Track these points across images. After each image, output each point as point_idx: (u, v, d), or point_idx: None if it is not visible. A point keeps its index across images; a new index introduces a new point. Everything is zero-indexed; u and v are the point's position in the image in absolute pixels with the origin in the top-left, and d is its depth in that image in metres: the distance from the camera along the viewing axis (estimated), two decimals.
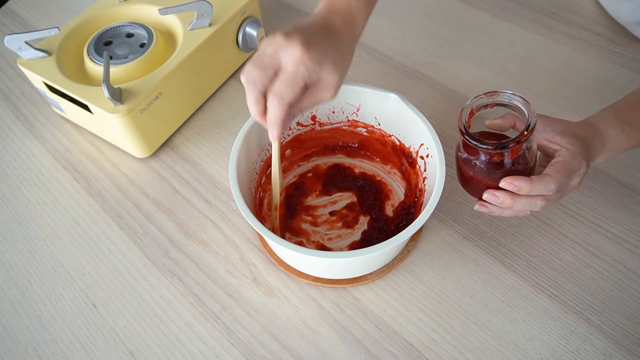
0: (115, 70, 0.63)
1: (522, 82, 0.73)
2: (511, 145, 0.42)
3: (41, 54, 0.64)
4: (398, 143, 0.59)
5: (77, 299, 0.56)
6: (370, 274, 0.55)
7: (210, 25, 0.68)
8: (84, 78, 0.65)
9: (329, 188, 0.62)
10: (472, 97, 0.45)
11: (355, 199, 0.61)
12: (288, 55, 0.41)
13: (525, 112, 0.43)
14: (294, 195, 0.62)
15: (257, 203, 0.59)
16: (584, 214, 0.59)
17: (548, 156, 0.48)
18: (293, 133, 0.61)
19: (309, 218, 0.60)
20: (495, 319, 0.52)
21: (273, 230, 0.55)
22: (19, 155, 0.69)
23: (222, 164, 0.67)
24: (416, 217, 0.47)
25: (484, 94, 0.44)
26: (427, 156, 0.54)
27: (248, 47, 0.74)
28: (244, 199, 0.49)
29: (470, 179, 0.47)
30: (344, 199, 0.61)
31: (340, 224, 0.59)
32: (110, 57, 0.63)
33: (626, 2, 0.75)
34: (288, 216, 0.60)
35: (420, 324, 0.52)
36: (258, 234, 0.59)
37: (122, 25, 0.69)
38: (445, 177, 0.49)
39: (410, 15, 0.83)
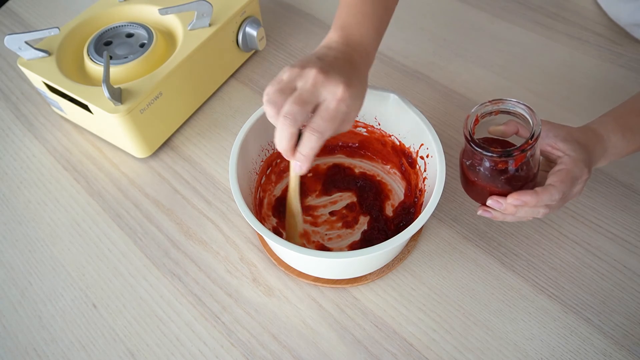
0: (115, 70, 0.63)
1: (522, 82, 0.73)
2: (516, 153, 0.42)
3: (41, 54, 0.64)
4: (398, 143, 0.59)
5: (77, 299, 0.56)
6: (370, 274, 0.55)
7: (210, 25, 0.68)
8: (84, 78, 0.65)
9: (329, 188, 0.62)
10: (477, 104, 0.46)
11: (355, 199, 0.61)
12: (330, 94, 0.42)
13: (530, 120, 0.43)
14: None
15: (257, 203, 0.59)
16: (584, 214, 0.59)
17: (550, 161, 0.48)
18: None
19: (309, 218, 0.60)
20: (495, 319, 0.52)
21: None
22: (19, 155, 0.69)
23: (222, 164, 0.67)
24: (416, 217, 0.47)
25: (489, 101, 0.45)
26: (427, 156, 0.54)
27: (248, 47, 0.74)
28: (244, 199, 0.49)
29: (473, 184, 0.47)
30: (344, 199, 0.61)
31: (340, 224, 0.59)
32: (110, 57, 0.63)
33: (625, 4, 0.75)
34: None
35: (420, 324, 0.52)
36: (258, 234, 0.59)
37: (122, 25, 0.69)
38: (445, 177, 0.49)
39: (410, 16, 0.83)
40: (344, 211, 0.60)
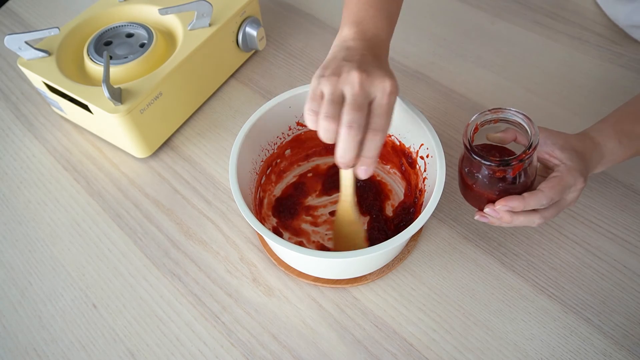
0: (115, 70, 0.63)
1: (522, 82, 0.73)
2: (514, 163, 0.43)
3: (41, 54, 0.64)
4: (398, 143, 0.59)
5: (77, 299, 0.56)
6: (370, 274, 0.55)
7: (210, 25, 0.68)
8: (84, 78, 0.65)
9: (329, 188, 0.62)
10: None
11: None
12: (380, 90, 0.42)
13: (528, 130, 0.44)
14: (294, 195, 0.62)
15: (257, 203, 0.59)
16: (584, 214, 0.59)
17: (548, 169, 0.49)
18: (293, 133, 0.61)
19: (309, 218, 0.60)
20: (495, 319, 0.52)
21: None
22: (19, 155, 0.69)
23: (222, 164, 0.67)
24: (416, 217, 0.47)
25: (489, 110, 0.46)
26: (427, 156, 0.54)
27: (248, 47, 0.74)
28: (244, 199, 0.49)
29: (471, 190, 0.48)
30: None
31: None
32: (110, 57, 0.63)
33: (622, 6, 0.75)
34: (288, 216, 0.60)
35: (420, 324, 0.52)
36: (258, 234, 0.59)
37: (122, 25, 0.69)
38: (445, 177, 0.49)
39: (410, 16, 0.83)
40: None
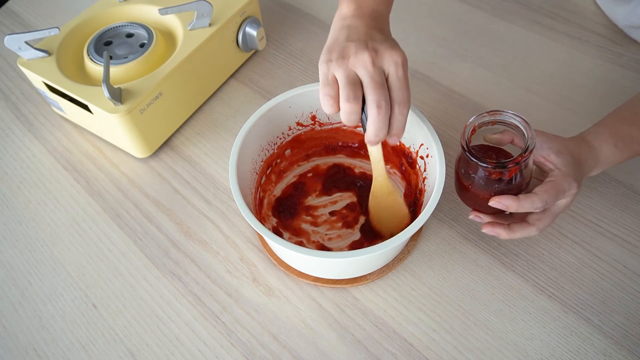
0: (115, 70, 0.63)
1: (522, 82, 0.73)
2: (510, 165, 0.44)
3: (41, 54, 0.64)
4: (398, 143, 0.59)
5: (77, 299, 0.56)
6: (370, 274, 0.55)
7: (210, 25, 0.68)
8: (84, 78, 0.65)
9: (329, 188, 0.62)
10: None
11: (355, 199, 0.61)
12: (392, 64, 0.43)
13: (525, 133, 0.45)
14: (294, 195, 0.62)
15: (257, 203, 0.59)
16: (584, 214, 0.59)
17: (544, 172, 0.49)
18: (293, 133, 0.61)
19: (309, 218, 0.60)
20: (495, 319, 0.52)
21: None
22: (19, 155, 0.69)
23: (222, 164, 0.67)
24: (416, 217, 0.47)
25: (487, 112, 0.46)
26: (427, 156, 0.54)
27: (248, 47, 0.74)
28: (244, 199, 0.49)
29: (467, 190, 0.49)
30: (344, 199, 0.61)
31: (340, 224, 0.59)
32: (110, 57, 0.63)
33: (621, 7, 0.75)
34: (288, 216, 0.60)
35: (420, 324, 0.52)
36: (258, 234, 0.59)
37: (122, 25, 0.69)
38: (445, 177, 0.49)
39: (410, 16, 0.83)
40: (344, 211, 0.60)
